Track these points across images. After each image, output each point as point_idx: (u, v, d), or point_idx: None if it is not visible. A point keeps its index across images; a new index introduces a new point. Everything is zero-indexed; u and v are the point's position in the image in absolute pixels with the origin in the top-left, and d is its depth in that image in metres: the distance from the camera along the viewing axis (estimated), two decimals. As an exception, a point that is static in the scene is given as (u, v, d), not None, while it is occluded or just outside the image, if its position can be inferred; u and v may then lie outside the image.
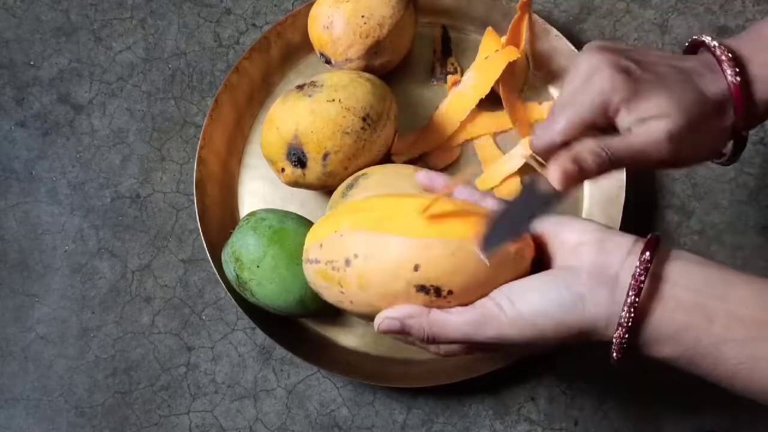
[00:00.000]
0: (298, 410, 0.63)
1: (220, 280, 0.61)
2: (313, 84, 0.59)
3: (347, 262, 0.41)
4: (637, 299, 0.36)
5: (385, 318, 0.41)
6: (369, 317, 0.42)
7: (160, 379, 0.64)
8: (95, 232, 0.67)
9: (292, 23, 0.67)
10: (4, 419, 0.64)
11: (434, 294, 0.39)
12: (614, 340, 0.37)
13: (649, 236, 0.39)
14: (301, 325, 0.64)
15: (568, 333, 0.38)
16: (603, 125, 0.42)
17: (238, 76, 0.66)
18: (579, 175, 0.40)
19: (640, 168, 0.43)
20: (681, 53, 0.47)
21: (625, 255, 0.38)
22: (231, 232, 0.59)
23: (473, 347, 0.42)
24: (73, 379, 0.64)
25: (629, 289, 0.36)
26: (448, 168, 0.66)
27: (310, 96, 0.58)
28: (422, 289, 0.39)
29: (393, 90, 0.62)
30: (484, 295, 0.40)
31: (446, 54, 0.69)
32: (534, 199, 0.40)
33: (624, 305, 0.37)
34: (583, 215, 0.65)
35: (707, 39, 0.43)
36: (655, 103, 0.40)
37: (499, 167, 0.65)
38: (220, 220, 0.65)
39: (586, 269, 0.38)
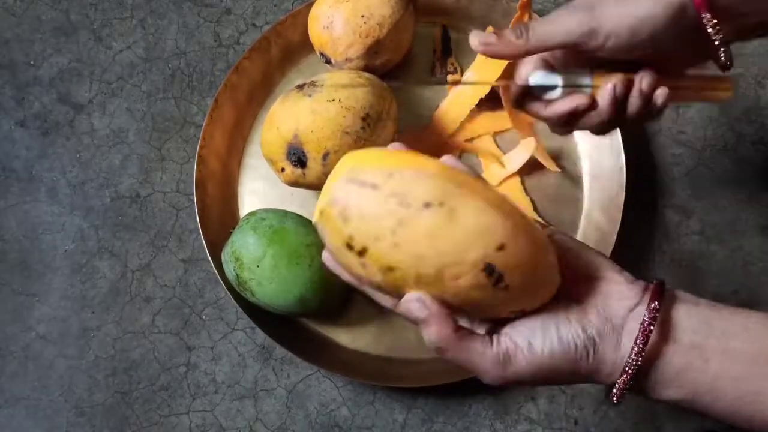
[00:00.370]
0: (298, 410, 0.63)
1: (220, 280, 0.61)
2: (313, 84, 0.60)
3: (426, 205, 0.34)
4: (644, 347, 0.37)
5: (416, 300, 0.36)
6: (391, 277, 0.36)
7: (160, 379, 0.64)
8: (95, 232, 0.67)
9: (292, 23, 0.67)
10: (4, 419, 0.64)
11: (494, 281, 0.36)
12: (617, 385, 0.38)
13: (654, 282, 0.39)
14: (301, 325, 0.64)
15: (572, 373, 0.38)
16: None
17: (238, 76, 0.66)
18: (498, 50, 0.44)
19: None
20: None
21: (634, 304, 0.38)
22: (231, 232, 0.59)
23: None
24: (73, 379, 0.64)
25: (637, 337, 0.37)
26: (448, 168, 0.66)
27: (310, 96, 0.58)
28: (489, 270, 0.35)
29: (393, 90, 0.62)
30: (518, 309, 0.38)
31: (446, 54, 0.69)
32: None
33: (631, 353, 0.37)
34: (583, 215, 0.65)
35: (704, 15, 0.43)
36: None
37: (499, 167, 0.65)
38: (220, 220, 0.65)
39: (596, 311, 0.38)
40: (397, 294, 0.38)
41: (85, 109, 0.70)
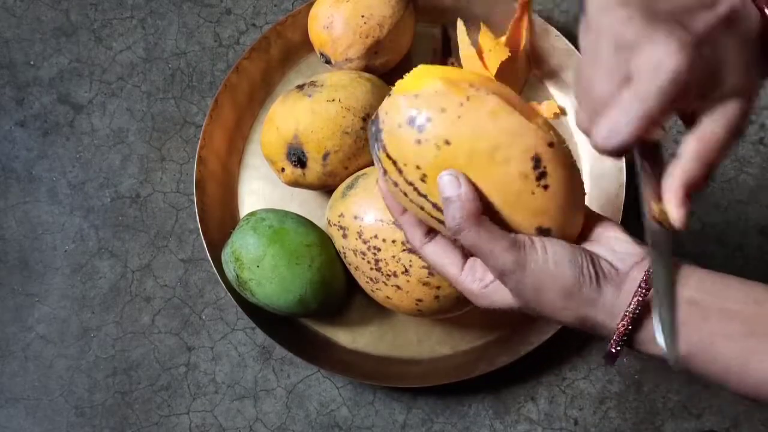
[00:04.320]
0: (298, 410, 0.63)
1: (220, 280, 0.61)
2: (313, 84, 0.60)
3: (492, 92, 0.38)
4: (646, 293, 0.38)
5: (455, 175, 0.38)
6: (444, 155, 0.38)
7: (160, 379, 0.64)
8: (95, 232, 0.67)
9: (292, 23, 0.67)
10: (4, 419, 0.64)
11: (538, 175, 0.38)
12: (617, 330, 0.38)
13: None
14: (301, 325, 0.64)
15: (575, 295, 0.39)
16: (670, 116, 0.37)
17: (238, 76, 0.66)
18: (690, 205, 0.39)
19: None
20: None
21: (639, 258, 0.40)
22: (231, 232, 0.59)
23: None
24: (73, 379, 0.64)
25: (640, 281, 0.38)
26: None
27: (310, 96, 0.58)
28: (536, 160, 0.38)
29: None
30: (546, 225, 0.40)
31: (446, 54, 0.69)
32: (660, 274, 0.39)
33: (633, 296, 0.38)
34: (583, 215, 0.65)
35: None
36: (729, 83, 0.36)
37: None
38: (220, 220, 0.65)
39: (606, 260, 0.40)
40: (436, 204, 0.40)
41: (85, 109, 0.70)
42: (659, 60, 0.34)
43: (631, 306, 0.38)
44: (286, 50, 0.68)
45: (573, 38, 0.67)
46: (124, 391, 0.64)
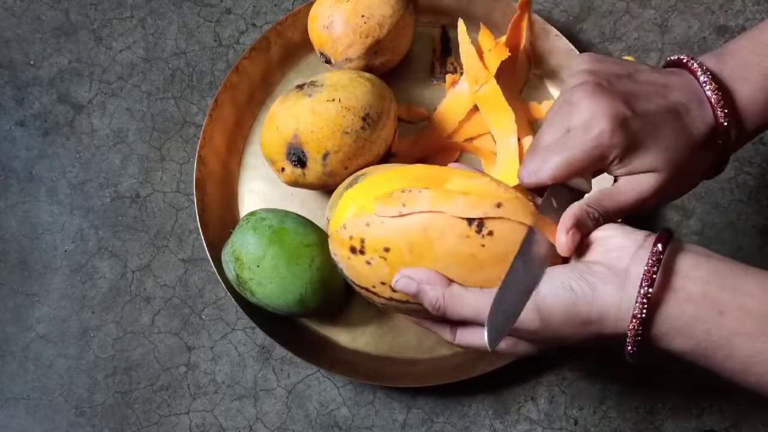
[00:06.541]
0: (298, 410, 0.63)
1: (220, 280, 0.61)
2: (313, 84, 0.59)
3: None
4: (650, 290, 0.37)
5: (403, 276, 0.41)
6: (389, 260, 0.41)
7: (160, 379, 0.64)
8: (95, 232, 0.67)
9: (292, 23, 0.67)
10: (4, 419, 0.64)
11: (477, 227, 0.40)
12: (628, 332, 0.38)
13: (660, 230, 0.39)
14: (301, 325, 0.64)
15: (577, 320, 0.38)
16: (591, 171, 0.44)
17: (238, 76, 0.66)
18: (580, 239, 0.42)
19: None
20: (668, 64, 0.48)
21: (635, 248, 0.39)
22: (231, 232, 0.59)
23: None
24: (73, 379, 0.64)
25: (642, 280, 0.37)
26: (448, 168, 0.66)
27: (310, 96, 0.58)
28: (469, 219, 0.40)
29: (393, 90, 0.62)
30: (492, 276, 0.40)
31: (446, 54, 0.69)
32: (529, 270, 0.40)
33: (637, 296, 0.37)
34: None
35: (694, 65, 0.44)
36: (647, 161, 0.42)
37: (497, 168, 0.65)
38: (220, 219, 0.65)
39: (598, 261, 0.39)
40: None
41: (85, 109, 0.70)
42: (589, 121, 0.42)
43: (637, 309, 0.37)
44: (286, 50, 0.68)
45: (573, 38, 0.67)
46: (124, 391, 0.64)
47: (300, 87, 0.60)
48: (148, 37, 0.71)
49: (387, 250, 0.41)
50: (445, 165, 0.65)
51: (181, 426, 0.63)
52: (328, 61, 0.64)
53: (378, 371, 0.62)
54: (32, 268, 0.67)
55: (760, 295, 0.37)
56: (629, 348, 0.38)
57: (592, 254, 0.40)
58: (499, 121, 0.64)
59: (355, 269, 0.42)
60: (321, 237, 0.59)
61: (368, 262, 0.41)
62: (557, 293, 0.38)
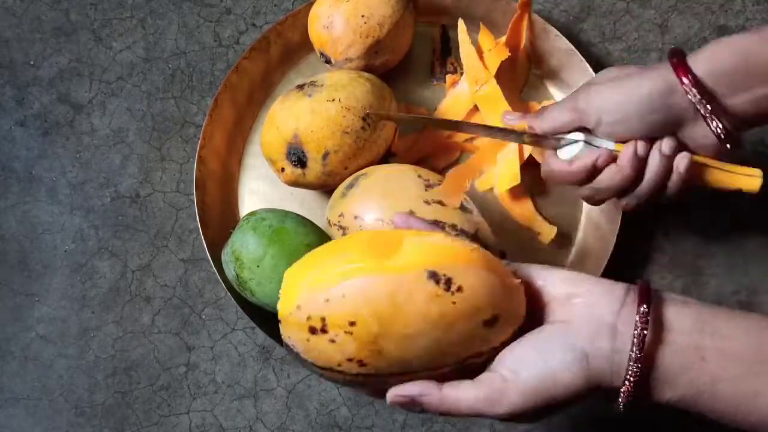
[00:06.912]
0: (298, 410, 0.63)
1: (220, 280, 0.61)
2: (313, 83, 0.59)
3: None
4: (641, 353, 0.37)
5: (395, 395, 0.39)
6: (355, 333, 0.38)
7: (160, 379, 0.64)
8: (95, 232, 0.67)
9: (292, 23, 0.67)
10: (4, 419, 0.64)
11: (445, 286, 0.38)
12: (621, 395, 0.38)
13: (639, 284, 0.39)
14: (301, 325, 0.64)
15: (577, 392, 0.38)
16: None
17: (238, 76, 0.66)
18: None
19: None
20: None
21: (619, 305, 0.38)
22: (231, 232, 0.59)
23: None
24: (73, 379, 0.64)
25: (632, 345, 0.37)
26: (449, 167, 0.66)
27: (310, 95, 0.58)
28: (432, 275, 0.38)
29: (393, 90, 0.62)
30: (486, 306, 0.39)
31: (446, 54, 0.69)
32: None
33: (629, 361, 0.37)
34: (583, 215, 0.65)
35: (687, 88, 0.47)
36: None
37: (498, 168, 0.65)
38: (220, 219, 0.65)
39: (584, 323, 0.38)
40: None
41: (85, 109, 0.70)
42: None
43: (630, 372, 0.37)
44: (286, 50, 0.68)
45: (573, 38, 0.67)
46: (124, 391, 0.64)
47: (300, 87, 0.60)
48: (148, 37, 0.71)
49: (353, 324, 0.38)
50: (446, 165, 0.66)
51: (181, 426, 0.63)
52: (328, 61, 0.64)
53: (378, 371, 0.62)
54: (32, 268, 0.67)
55: (741, 338, 0.37)
56: (621, 406, 0.38)
57: (573, 311, 0.39)
58: (499, 122, 0.64)
59: (317, 350, 0.39)
60: (321, 237, 0.59)
61: (332, 340, 0.38)
62: (553, 376, 0.37)
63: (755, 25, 0.69)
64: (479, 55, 0.64)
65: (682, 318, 0.38)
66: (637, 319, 0.37)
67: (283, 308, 0.39)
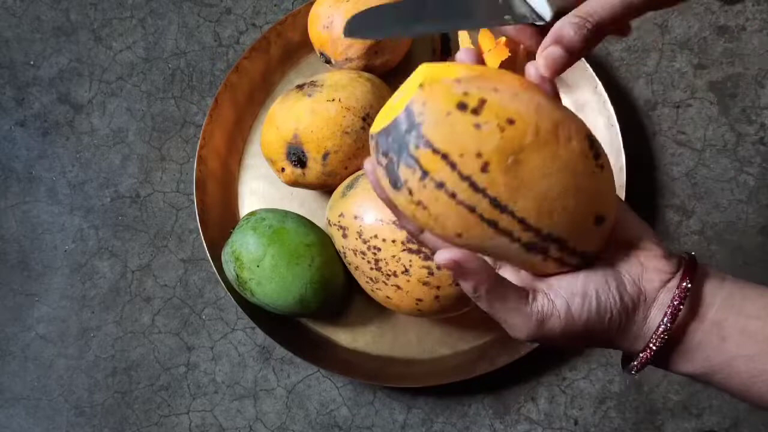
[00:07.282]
0: (298, 410, 0.63)
1: (220, 280, 0.61)
2: (313, 84, 0.59)
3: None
4: (672, 326, 0.37)
5: (445, 255, 0.35)
6: (509, 134, 0.33)
7: (160, 379, 0.64)
8: (95, 232, 0.67)
9: (292, 23, 0.67)
10: (4, 419, 0.64)
11: (595, 153, 0.36)
12: (640, 358, 0.38)
13: (687, 259, 0.39)
14: (301, 325, 0.64)
15: (603, 338, 0.38)
16: None
17: (238, 76, 0.66)
18: (566, 56, 0.38)
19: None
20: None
21: (667, 278, 0.38)
22: (231, 232, 0.59)
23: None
24: (73, 379, 0.64)
25: (665, 315, 0.37)
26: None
27: (310, 95, 0.58)
28: (591, 140, 0.36)
29: (393, 90, 0.62)
30: (593, 215, 0.37)
31: (446, 54, 0.69)
32: None
33: (657, 329, 0.37)
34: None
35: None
36: None
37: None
38: (220, 219, 0.65)
39: (635, 283, 0.38)
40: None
41: (85, 109, 0.70)
42: None
43: (654, 341, 0.37)
44: (286, 50, 0.68)
45: (573, 38, 0.67)
46: (124, 391, 0.64)
47: (300, 87, 0.60)
48: (148, 37, 0.71)
49: (511, 122, 0.33)
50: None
51: (181, 426, 0.63)
52: (328, 61, 0.64)
53: (378, 371, 0.62)
54: (32, 268, 0.67)
55: (763, 315, 0.37)
56: (634, 370, 0.38)
57: (629, 267, 0.39)
58: None
59: (449, 129, 0.33)
60: (321, 237, 0.59)
61: (477, 125, 0.33)
62: (596, 318, 0.37)
63: (755, 24, 0.69)
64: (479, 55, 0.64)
65: (715, 296, 0.38)
66: (677, 292, 0.37)
67: (436, 73, 0.34)
